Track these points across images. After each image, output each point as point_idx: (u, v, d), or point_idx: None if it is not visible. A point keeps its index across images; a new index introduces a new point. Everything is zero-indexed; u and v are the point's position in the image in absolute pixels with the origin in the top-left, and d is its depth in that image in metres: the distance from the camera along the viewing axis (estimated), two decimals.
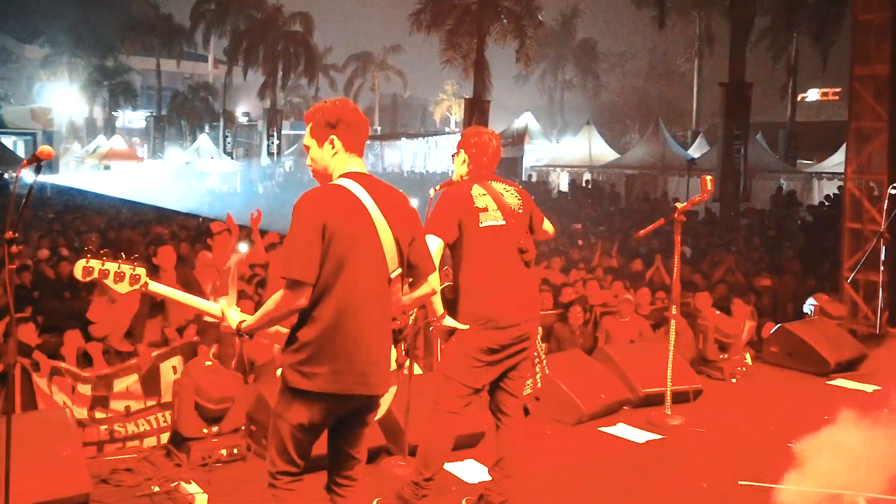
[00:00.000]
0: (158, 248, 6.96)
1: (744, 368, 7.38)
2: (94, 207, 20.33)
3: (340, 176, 3.08)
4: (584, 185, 27.81)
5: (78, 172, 34.71)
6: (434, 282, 3.32)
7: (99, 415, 5.52)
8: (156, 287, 3.20)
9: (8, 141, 30.56)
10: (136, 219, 17.09)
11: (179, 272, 6.84)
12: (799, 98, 33.57)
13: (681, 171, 24.73)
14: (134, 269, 3.11)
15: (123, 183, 27.07)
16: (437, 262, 3.97)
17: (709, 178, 5.85)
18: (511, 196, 4.24)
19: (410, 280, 3.27)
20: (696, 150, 27.34)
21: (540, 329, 7.99)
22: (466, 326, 4.05)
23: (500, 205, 4.15)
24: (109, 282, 3.09)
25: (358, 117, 3.16)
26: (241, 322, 3.09)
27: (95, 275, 3.10)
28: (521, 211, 4.22)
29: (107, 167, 33.63)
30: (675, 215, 5.94)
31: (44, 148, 3.56)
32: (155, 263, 6.85)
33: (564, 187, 28.54)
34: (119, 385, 5.63)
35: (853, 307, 9.34)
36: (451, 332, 4.10)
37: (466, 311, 4.07)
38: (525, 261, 4.20)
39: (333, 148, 3.09)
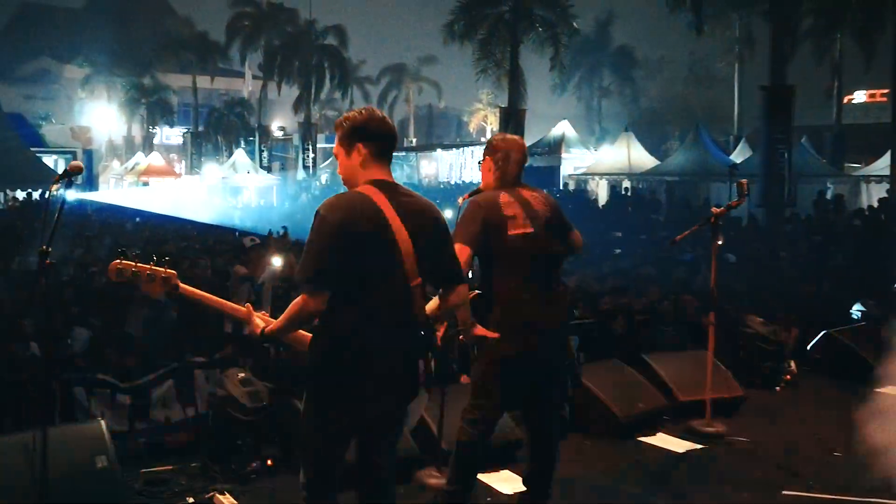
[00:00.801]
0: (195, 260, 7.05)
1: (788, 376, 7.19)
2: (133, 223, 20.73)
3: (364, 183, 3.08)
4: (623, 192, 27.52)
5: (117, 189, 35.43)
6: (463, 291, 3.29)
7: (139, 425, 5.58)
8: (186, 289, 3.23)
9: (49, 160, 31.34)
10: (174, 234, 17.37)
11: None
12: (845, 100, 32.84)
13: (722, 177, 24.29)
14: (165, 272, 3.15)
15: (162, 199, 27.55)
16: (465, 271, 3.94)
17: (744, 181, 5.74)
18: (539, 204, 4.19)
19: (441, 288, 3.25)
20: (738, 156, 26.86)
21: (577, 338, 7.96)
22: (496, 335, 4.00)
23: (528, 212, 4.10)
24: (141, 283, 3.14)
25: (384, 126, 3.17)
26: (265, 326, 3.14)
27: (129, 275, 3.16)
28: (549, 219, 4.17)
29: (145, 184, 34.27)
30: (712, 220, 5.85)
31: (74, 163, 3.63)
32: (190, 275, 6.94)
33: (603, 195, 28.27)
34: (157, 393, 5.69)
35: None
36: (482, 340, 4.05)
37: (496, 320, 4.02)
38: (555, 268, 4.14)
39: (360, 156, 3.11)
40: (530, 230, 4.06)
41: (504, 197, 4.11)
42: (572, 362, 4.48)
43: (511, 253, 4.03)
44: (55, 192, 3.80)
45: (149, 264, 3.21)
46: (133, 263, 3.18)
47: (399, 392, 3.07)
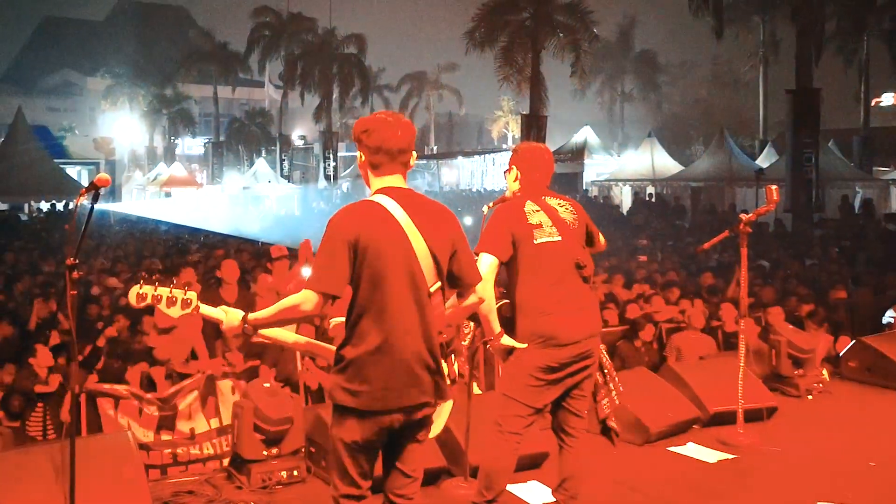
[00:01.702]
0: (223, 261, 7.10)
1: (821, 385, 7.06)
2: (156, 234, 20.91)
3: (376, 192, 3.09)
4: (647, 198, 27.33)
5: (140, 200, 35.78)
6: (482, 291, 3.29)
7: (165, 437, 5.59)
8: (206, 310, 3.19)
9: (73, 171, 31.74)
10: (196, 244, 17.48)
11: (242, 292, 6.93)
12: (873, 103, 32.44)
13: (749, 182, 24.08)
14: (185, 294, 3.14)
15: (184, 209, 27.77)
16: (491, 280, 3.90)
17: (774, 187, 5.63)
18: (566, 211, 4.14)
19: (458, 292, 3.26)
20: (764, 160, 26.61)
21: (604, 346, 7.87)
22: (524, 345, 3.96)
23: (554, 220, 4.05)
24: (162, 306, 3.12)
25: (394, 131, 3.09)
26: (246, 314, 3.08)
27: (149, 300, 3.14)
28: (576, 226, 4.12)
29: (167, 194, 34.58)
30: (741, 227, 5.75)
31: (101, 175, 3.63)
32: (218, 276, 6.97)
33: (627, 202, 28.11)
34: (182, 404, 5.69)
35: None
36: (510, 351, 4.01)
37: (524, 330, 3.98)
38: (583, 276, 4.09)
39: (371, 162, 3.13)
40: (557, 238, 4.02)
41: (529, 205, 4.07)
42: (608, 371, 4.39)
43: (538, 261, 3.98)
44: (81, 205, 3.79)
45: (168, 287, 3.17)
46: (154, 287, 3.15)
47: (415, 396, 3.03)
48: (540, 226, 4.03)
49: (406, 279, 2.99)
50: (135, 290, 3.15)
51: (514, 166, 4.24)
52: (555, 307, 3.95)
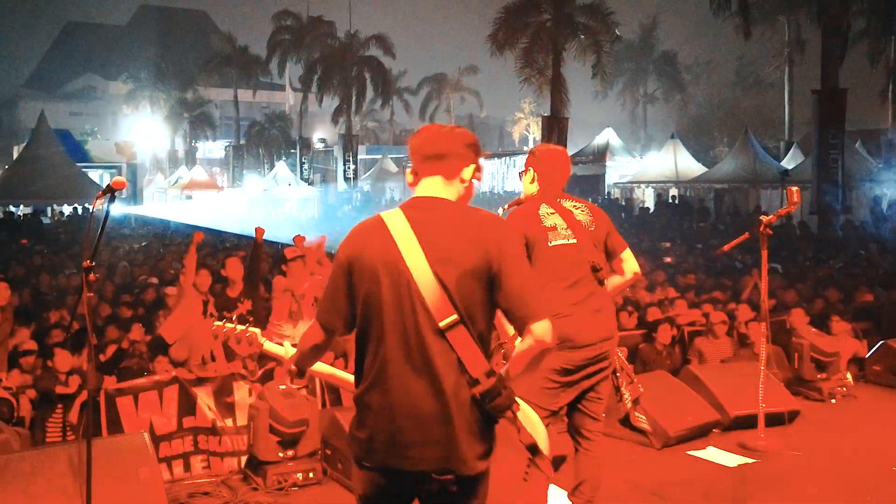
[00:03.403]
0: (226, 259, 7.13)
1: (845, 388, 6.95)
2: (177, 236, 21.10)
3: (401, 205, 2.68)
4: (670, 200, 27.11)
5: (161, 203, 36.12)
6: (539, 332, 2.48)
7: (187, 423, 5.62)
8: (269, 346, 3.31)
9: (94, 174, 32.10)
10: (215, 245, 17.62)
11: (247, 289, 6.98)
12: None
13: (774, 183, 23.79)
14: (248, 331, 3.33)
15: (205, 212, 28.00)
16: None
17: (795, 188, 5.56)
18: (582, 213, 4.09)
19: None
20: (789, 162, 26.30)
21: (625, 350, 7.81)
22: None
23: (570, 223, 4.00)
24: (232, 344, 3.32)
25: (420, 138, 2.70)
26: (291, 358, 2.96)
27: (223, 338, 3.44)
28: (593, 228, 4.07)
29: (189, 197, 34.88)
30: (762, 229, 5.68)
31: (117, 179, 3.67)
32: (223, 275, 7.02)
33: (650, 204, 27.91)
34: (200, 394, 5.71)
35: None
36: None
37: None
38: (599, 279, 4.04)
39: (410, 176, 2.75)
40: (573, 241, 3.97)
41: (544, 208, 4.03)
42: (627, 374, 4.33)
43: (553, 264, 3.94)
44: (98, 208, 3.82)
45: (234, 325, 3.38)
46: (223, 326, 3.38)
47: (417, 459, 2.47)
48: (555, 228, 3.99)
49: (399, 311, 2.47)
50: (213, 329, 3.44)
51: (530, 168, 4.20)
52: (570, 309, 3.90)
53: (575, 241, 3.98)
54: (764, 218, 5.77)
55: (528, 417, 2.73)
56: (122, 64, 45.95)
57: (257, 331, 3.32)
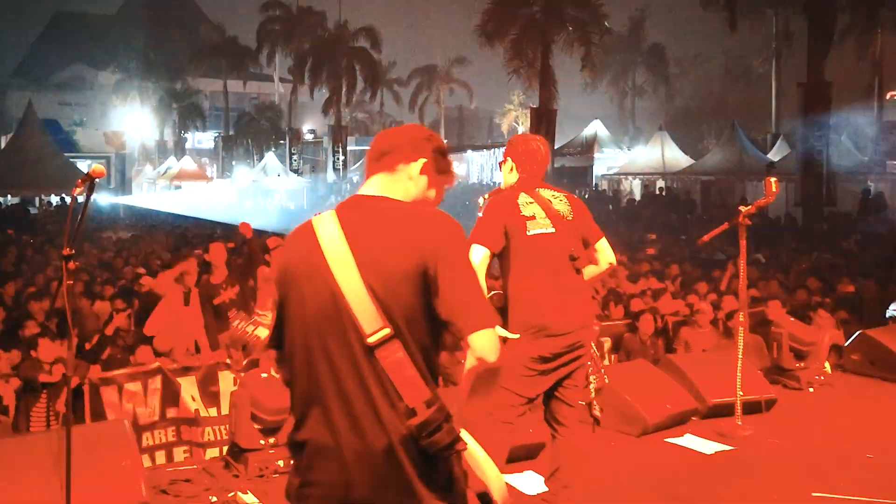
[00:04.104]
0: (210, 245, 7.18)
1: (822, 377, 7.04)
2: (164, 226, 21.08)
3: (337, 206, 2.36)
4: (657, 192, 27.23)
5: (150, 193, 36.06)
6: (479, 345, 2.11)
7: (171, 413, 5.66)
8: None
9: (83, 165, 31.98)
10: (202, 235, 17.62)
11: (232, 276, 7.02)
12: (889, 96, 32.15)
13: (759, 175, 23.93)
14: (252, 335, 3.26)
15: (193, 202, 27.99)
16: (482, 272, 3.89)
17: (773, 179, 5.63)
18: (560, 203, 4.14)
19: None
20: (776, 154, 26.47)
21: (609, 340, 7.88)
22: (517, 336, 3.96)
23: (548, 212, 4.05)
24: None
25: (372, 142, 2.47)
26: None
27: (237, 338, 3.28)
28: (571, 218, 4.11)
29: (177, 187, 34.84)
30: (740, 219, 5.75)
31: (96, 167, 3.68)
32: (207, 260, 7.06)
33: (637, 196, 28.05)
34: (183, 383, 5.75)
35: None
36: (502, 341, 4.02)
37: (516, 320, 3.98)
38: (577, 268, 4.09)
39: None
40: (551, 230, 4.02)
41: (523, 197, 4.07)
42: (596, 364, 4.40)
43: (531, 253, 3.99)
44: (77, 196, 3.84)
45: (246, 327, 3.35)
46: (237, 325, 3.37)
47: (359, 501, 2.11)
48: (533, 217, 4.03)
49: (329, 326, 2.12)
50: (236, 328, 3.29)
51: (509, 158, 4.24)
52: (547, 298, 3.95)
53: (553, 230, 4.02)
54: (742, 208, 5.83)
55: (477, 459, 2.26)
56: (111, 54, 45.68)
57: (264, 332, 3.06)
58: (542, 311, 3.94)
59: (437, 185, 2.36)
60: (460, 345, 2.33)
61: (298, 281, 2.18)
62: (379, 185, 2.29)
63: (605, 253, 4.17)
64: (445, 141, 50.70)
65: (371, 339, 2.05)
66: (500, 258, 4.04)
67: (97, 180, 3.76)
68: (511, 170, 4.21)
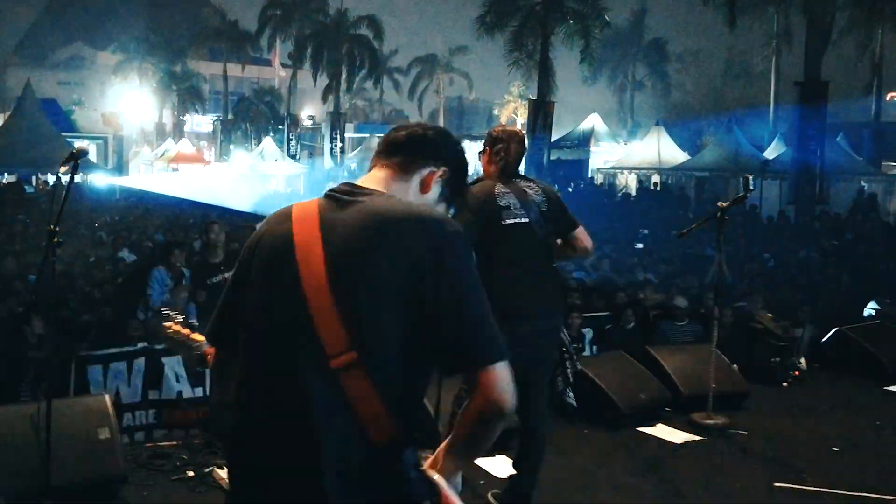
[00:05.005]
0: (209, 224, 7.23)
1: (797, 372, 7.16)
2: (158, 209, 21.18)
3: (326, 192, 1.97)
4: (652, 187, 27.32)
5: (147, 175, 36.09)
6: (491, 384, 1.71)
7: (152, 395, 5.75)
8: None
9: (80, 145, 32.03)
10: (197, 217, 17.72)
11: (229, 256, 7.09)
12: (888, 97, 32.21)
13: (754, 172, 24.04)
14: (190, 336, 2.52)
15: (190, 185, 28.01)
16: None
17: (750, 176, 5.74)
18: (535, 193, 4.25)
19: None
20: (772, 152, 26.50)
21: (591, 331, 7.98)
22: None
23: (523, 202, 4.16)
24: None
25: (393, 129, 2.12)
26: None
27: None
28: (545, 208, 4.22)
29: (175, 170, 34.86)
30: (718, 214, 5.87)
31: (79, 145, 3.79)
32: (205, 241, 7.13)
33: (632, 190, 28.13)
34: (168, 363, 5.83)
35: None
36: None
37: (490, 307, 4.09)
38: (549, 257, 4.21)
39: None
40: (525, 220, 4.13)
41: (499, 187, 4.18)
42: (566, 349, 4.52)
43: (505, 241, 4.09)
44: (62, 174, 3.94)
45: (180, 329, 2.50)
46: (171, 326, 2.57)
47: None
48: (508, 207, 4.13)
49: (282, 337, 1.76)
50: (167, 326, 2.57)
51: (487, 148, 4.34)
52: (519, 286, 4.06)
53: (527, 220, 4.13)
54: (721, 204, 5.95)
55: None
56: (111, 34, 45.69)
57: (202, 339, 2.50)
58: (513, 298, 4.04)
59: (446, 204, 2.02)
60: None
61: (262, 275, 1.84)
62: (383, 179, 1.94)
63: (582, 240, 4.28)
64: None
65: (334, 362, 1.68)
66: (477, 247, 4.14)
67: (88, 159, 3.87)
68: (489, 160, 4.32)
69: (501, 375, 1.71)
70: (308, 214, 1.83)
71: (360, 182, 1.93)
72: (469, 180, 2.07)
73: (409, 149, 1.97)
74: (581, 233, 4.30)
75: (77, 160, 3.87)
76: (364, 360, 1.68)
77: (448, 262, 1.71)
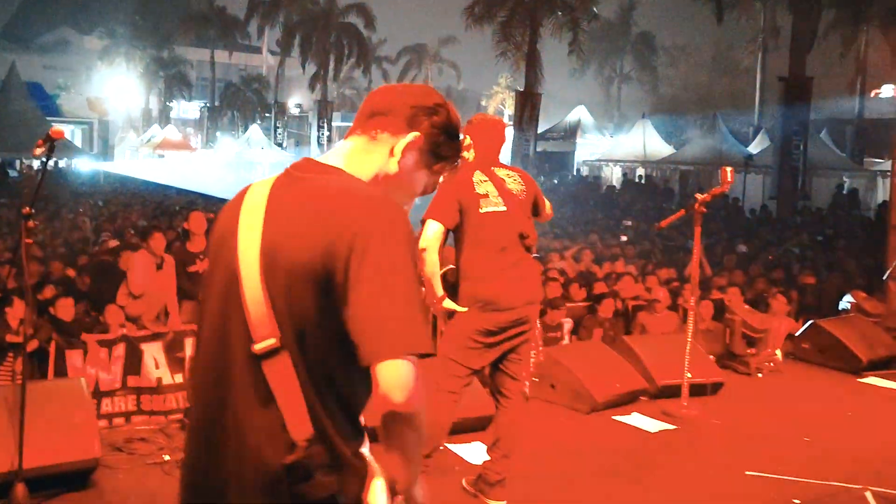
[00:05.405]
0: (190, 213, 7.22)
1: (772, 364, 7.25)
2: (142, 195, 21.08)
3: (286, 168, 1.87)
4: (636, 180, 27.45)
5: (133, 161, 35.89)
6: (385, 380, 1.54)
7: (131, 382, 5.75)
8: None
9: (66, 130, 31.70)
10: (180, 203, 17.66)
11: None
12: (872, 94, 32.46)
13: (737, 167, 24.20)
14: None
15: (176, 172, 27.90)
16: (435, 247, 4.03)
17: (729, 169, 5.81)
18: (514, 182, 4.28)
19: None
20: (756, 146, 26.71)
21: (570, 321, 8.02)
22: (465, 309, 4.12)
23: (501, 191, 4.19)
24: None
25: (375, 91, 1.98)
26: None
27: None
28: (523, 197, 4.26)
29: (161, 156, 34.70)
30: (696, 206, 5.92)
31: (55, 128, 3.77)
32: (186, 228, 7.12)
33: (617, 183, 28.26)
34: (147, 350, 5.83)
35: None
36: (451, 314, 4.18)
37: (466, 294, 4.14)
38: (526, 246, 4.25)
39: None
40: (503, 208, 4.16)
41: (478, 175, 4.21)
42: (536, 342, 4.57)
43: (482, 230, 4.13)
44: (38, 157, 3.93)
45: None
46: None
47: None
48: (486, 195, 4.17)
49: (223, 320, 1.71)
50: None
51: (467, 136, 4.36)
52: (496, 274, 4.10)
53: (505, 208, 4.17)
54: (699, 196, 6.01)
55: None
56: (97, 18, 45.29)
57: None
58: (489, 286, 4.10)
59: (428, 174, 1.84)
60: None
61: (213, 260, 1.81)
62: (346, 153, 1.81)
63: (546, 214, 4.41)
64: None
65: (257, 347, 1.61)
66: (455, 234, 4.19)
67: (73, 144, 3.87)
68: (469, 148, 4.34)
69: (397, 372, 1.53)
70: (259, 195, 1.76)
71: (323, 156, 1.83)
72: (457, 142, 1.86)
73: (379, 115, 1.81)
74: (548, 206, 4.43)
75: (52, 143, 3.87)
76: (287, 347, 1.61)
77: (365, 246, 1.58)
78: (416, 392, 1.56)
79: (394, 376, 1.53)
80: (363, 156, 1.79)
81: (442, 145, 1.82)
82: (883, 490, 4.48)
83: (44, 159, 3.90)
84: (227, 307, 1.68)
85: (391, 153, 1.78)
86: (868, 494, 4.45)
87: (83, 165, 28.09)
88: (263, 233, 1.67)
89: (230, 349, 1.66)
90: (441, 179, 1.91)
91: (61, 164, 27.21)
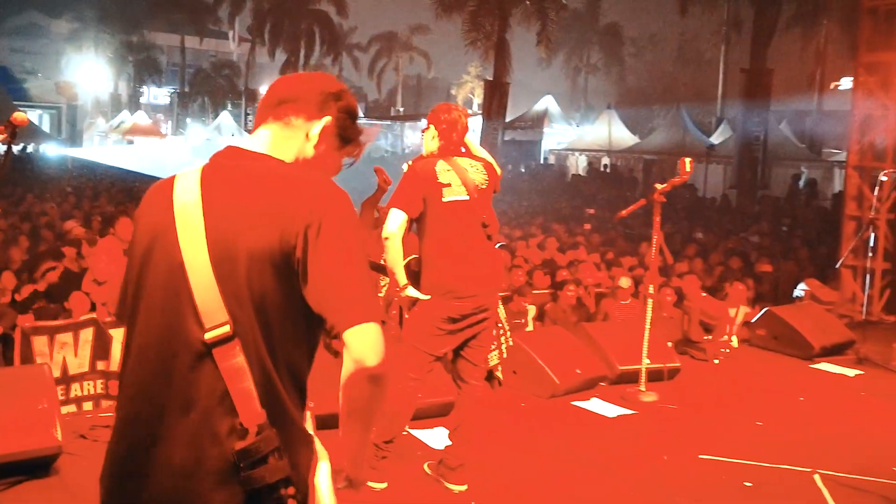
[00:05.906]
0: (117, 220, 7.17)
1: (727, 350, 7.45)
2: (111, 180, 20.82)
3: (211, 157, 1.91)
4: (601, 169, 27.74)
5: (101, 147, 35.35)
6: (355, 344, 1.65)
7: (100, 366, 5.74)
8: None
9: (34, 115, 31.20)
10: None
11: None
12: (832, 86, 33.04)
13: (699, 157, 24.55)
14: None
15: (145, 158, 27.57)
16: (398, 235, 4.10)
17: (688, 160, 5.95)
18: (476, 172, 4.35)
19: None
20: (718, 137, 27.10)
21: (534, 308, 8.15)
22: (428, 297, 4.20)
23: (463, 180, 4.26)
24: None
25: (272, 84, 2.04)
26: None
27: None
28: (485, 186, 4.34)
29: (130, 142, 34.22)
30: (655, 196, 6.06)
31: (17, 114, 3.75)
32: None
33: (583, 172, 28.53)
34: (116, 336, 5.82)
35: (852, 294, 9.37)
36: (414, 302, 4.25)
37: (428, 282, 4.21)
38: (487, 234, 4.33)
39: None
40: (465, 197, 4.24)
41: (441, 164, 4.28)
42: (502, 325, 4.67)
43: (445, 219, 4.20)
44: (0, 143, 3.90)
45: None
46: None
47: None
48: (449, 185, 4.24)
49: (165, 309, 1.72)
50: None
51: (431, 126, 4.42)
52: (457, 262, 4.18)
53: (467, 197, 4.24)
54: (658, 186, 6.15)
55: None
56: (66, 2, 44.22)
57: None
58: (451, 274, 4.18)
59: (338, 155, 1.94)
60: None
61: (145, 248, 1.78)
62: (266, 140, 1.87)
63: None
64: (402, 109, 50.44)
65: (208, 336, 1.65)
66: (418, 223, 4.26)
67: (41, 129, 3.85)
68: (433, 137, 4.40)
69: (366, 335, 1.65)
70: (191, 182, 1.79)
71: (244, 145, 1.87)
72: (358, 125, 1.95)
73: (288, 102, 1.89)
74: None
75: (14, 128, 3.84)
76: (237, 334, 1.65)
77: (320, 225, 1.68)
78: (387, 354, 1.67)
79: (367, 339, 1.65)
80: (283, 142, 1.87)
81: (348, 128, 1.92)
82: (831, 473, 4.65)
83: (5, 146, 3.85)
84: (172, 301, 1.70)
85: (307, 137, 1.87)
86: (816, 477, 4.62)
87: (51, 151, 27.62)
88: (207, 224, 1.71)
89: (177, 340, 1.68)
90: (345, 161, 1.99)
91: (29, 149, 26.74)
